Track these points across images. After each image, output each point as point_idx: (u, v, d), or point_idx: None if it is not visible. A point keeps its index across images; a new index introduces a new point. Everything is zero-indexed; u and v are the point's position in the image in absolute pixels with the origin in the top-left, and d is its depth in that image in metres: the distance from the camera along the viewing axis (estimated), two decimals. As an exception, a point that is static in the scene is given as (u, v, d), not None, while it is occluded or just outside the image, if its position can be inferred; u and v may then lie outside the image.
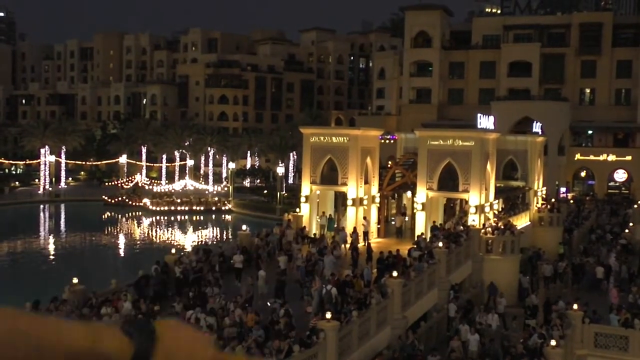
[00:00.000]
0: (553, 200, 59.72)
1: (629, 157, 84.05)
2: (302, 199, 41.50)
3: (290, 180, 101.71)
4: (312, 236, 38.42)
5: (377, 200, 42.70)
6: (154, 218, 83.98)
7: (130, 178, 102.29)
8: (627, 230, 52.67)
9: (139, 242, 71.05)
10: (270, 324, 23.70)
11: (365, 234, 39.84)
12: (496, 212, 41.90)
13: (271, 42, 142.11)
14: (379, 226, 42.94)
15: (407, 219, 44.02)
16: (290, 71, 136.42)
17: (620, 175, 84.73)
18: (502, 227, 38.07)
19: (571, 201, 71.07)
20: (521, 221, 47.09)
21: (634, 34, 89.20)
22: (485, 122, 45.24)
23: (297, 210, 42.74)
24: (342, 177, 40.22)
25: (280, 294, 27.42)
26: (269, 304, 26.01)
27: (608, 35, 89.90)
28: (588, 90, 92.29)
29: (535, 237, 47.17)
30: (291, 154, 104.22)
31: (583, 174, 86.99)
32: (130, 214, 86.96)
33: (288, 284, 29.31)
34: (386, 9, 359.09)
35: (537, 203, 53.98)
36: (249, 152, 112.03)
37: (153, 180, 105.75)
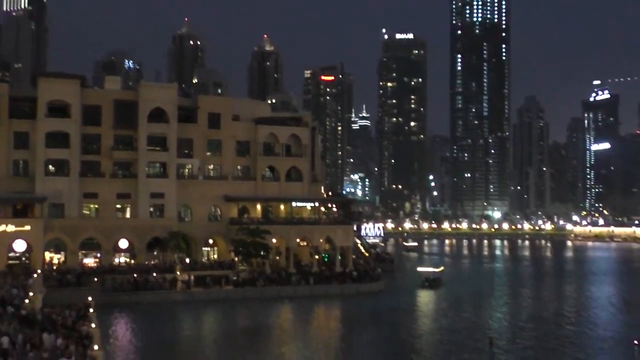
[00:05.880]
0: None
1: (28, 227, 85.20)
2: None
3: None
4: None
5: None
6: None
7: None
8: (27, 301, 53.16)
9: None
10: None
11: None
12: None
13: None
14: None
15: None
16: None
17: (20, 245, 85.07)
18: None
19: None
20: None
21: (30, 106, 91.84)
22: None
23: None
24: None
25: None
26: None
27: (5, 107, 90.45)
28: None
29: None
30: None
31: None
32: None
33: None
34: None
35: None
36: None
37: None
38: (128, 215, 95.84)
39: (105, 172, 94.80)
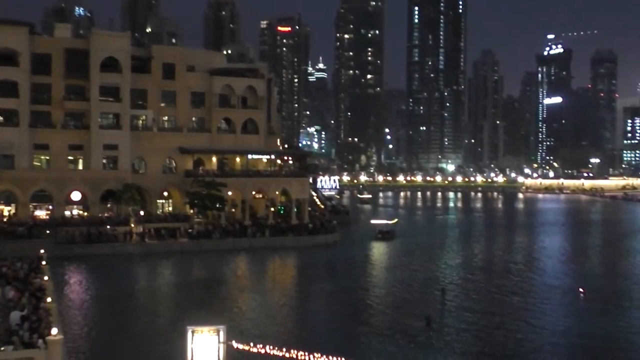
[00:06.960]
0: None
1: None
2: None
3: None
4: None
5: None
6: None
7: None
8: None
9: None
10: None
11: None
12: None
13: None
14: None
15: None
16: None
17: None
18: None
19: None
20: None
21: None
22: None
23: None
24: None
25: None
26: None
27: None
28: None
29: None
30: None
31: None
32: None
33: None
34: None
35: None
36: None
37: None
38: (80, 167, 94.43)
39: (56, 122, 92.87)
